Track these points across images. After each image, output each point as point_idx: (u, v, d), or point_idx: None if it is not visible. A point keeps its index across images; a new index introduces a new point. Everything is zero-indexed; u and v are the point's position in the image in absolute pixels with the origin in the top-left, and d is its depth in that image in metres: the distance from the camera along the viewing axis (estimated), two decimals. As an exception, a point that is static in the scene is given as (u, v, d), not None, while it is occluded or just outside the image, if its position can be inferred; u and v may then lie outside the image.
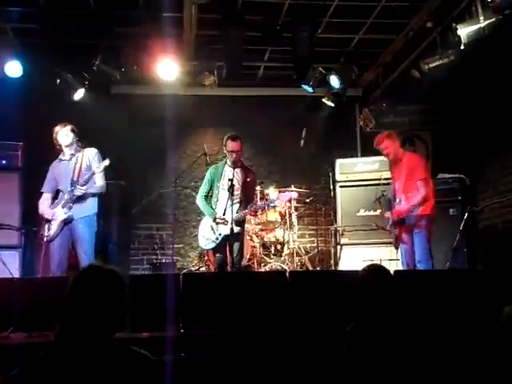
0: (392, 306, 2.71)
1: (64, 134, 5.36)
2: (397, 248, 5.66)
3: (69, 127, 5.39)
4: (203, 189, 5.85)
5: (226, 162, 5.81)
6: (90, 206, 5.32)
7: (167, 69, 6.73)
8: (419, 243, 5.34)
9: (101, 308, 1.98)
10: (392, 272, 3.07)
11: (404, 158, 5.55)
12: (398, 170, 5.58)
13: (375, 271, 2.85)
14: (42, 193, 5.42)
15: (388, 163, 5.83)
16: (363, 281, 2.79)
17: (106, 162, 5.24)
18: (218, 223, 5.66)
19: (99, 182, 5.32)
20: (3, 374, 2.98)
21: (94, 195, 5.32)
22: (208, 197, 5.81)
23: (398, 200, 5.56)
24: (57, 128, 5.39)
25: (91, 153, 5.40)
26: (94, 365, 1.93)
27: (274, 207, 6.75)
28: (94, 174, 5.20)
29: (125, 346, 2.03)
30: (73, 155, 5.39)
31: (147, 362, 2.01)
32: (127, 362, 1.98)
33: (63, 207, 5.21)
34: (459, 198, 6.79)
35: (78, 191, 5.16)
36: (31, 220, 6.15)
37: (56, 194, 5.41)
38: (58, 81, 6.64)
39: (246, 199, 5.77)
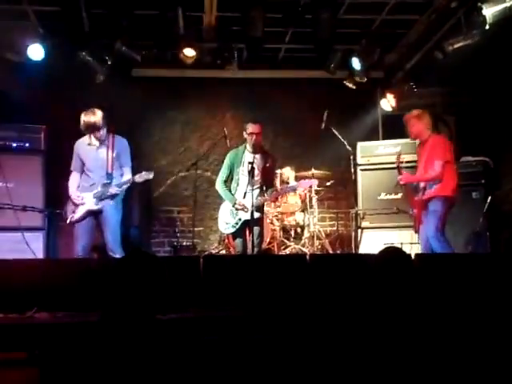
0: (411, 290, 2.67)
1: (99, 124, 5.13)
2: (417, 232, 5.63)
3: (99, 119, 5.14)
4: (222, 174, 5.85)
5: (245, 147, 5.80)
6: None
7: (188, 51, 6.71)
8: (431, 219, 5.30)
9: (146, 290, 2.08)
10: (413, 256, 3.03)
11: (429, 140, 5.50)
12: (423, 151, 5.55)
13: (393, 254, 2.80)
14: (69, 172, 5.36)
15: (416, 144, 5.81)
16: (380, 264, 2.75)
17: (150, 176, 5.22)
18: (237, 209, 5.67)
19: (127, 176, 5.30)
20: (28, 352, 3.05)
21: None
22: (227, 181, 5.82)
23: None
24: (86, 117, 5.14)
25: (122, 145, 5.33)
26: (143, 342, 2.03)
27: (295, 190, 6.75)
28: (130, 181, 5.19)
29: (170, 325, 2.13)
30: (103, 142, 5.25)
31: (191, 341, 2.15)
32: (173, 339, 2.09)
33: (94, 197, 5.18)
34: (482, 181, 6.66)
35: (114, 190, 5.15)
36: (54, 202, 6.24)
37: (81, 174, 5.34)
38: (80, 64, 6.66)
39: (266, 184, 5.78)
